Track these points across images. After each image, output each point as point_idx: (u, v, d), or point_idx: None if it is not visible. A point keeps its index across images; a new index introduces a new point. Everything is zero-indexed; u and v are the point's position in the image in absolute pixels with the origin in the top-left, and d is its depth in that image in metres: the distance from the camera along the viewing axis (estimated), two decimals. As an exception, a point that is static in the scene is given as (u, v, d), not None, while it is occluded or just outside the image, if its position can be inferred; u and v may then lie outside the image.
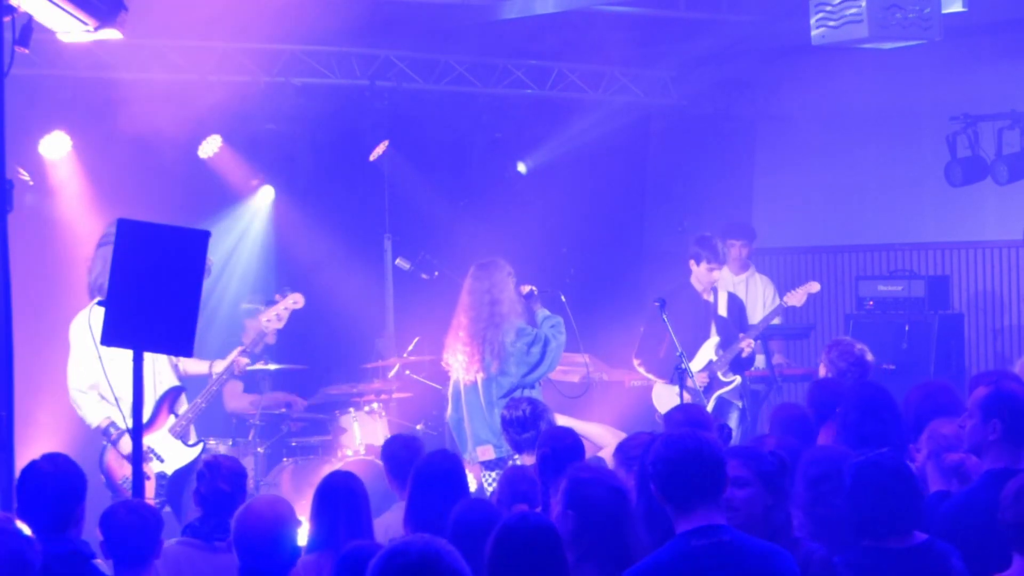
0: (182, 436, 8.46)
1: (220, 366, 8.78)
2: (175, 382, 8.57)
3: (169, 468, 8.33)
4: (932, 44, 8.41)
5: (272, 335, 9.02)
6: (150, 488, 8.09)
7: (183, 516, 8.05)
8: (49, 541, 4.98)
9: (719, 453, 4.40)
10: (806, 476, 5.21)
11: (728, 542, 4.29)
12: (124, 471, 8.28)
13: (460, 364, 8.55)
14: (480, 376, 8.50)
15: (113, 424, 8.23)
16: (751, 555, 4.30)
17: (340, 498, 5.54)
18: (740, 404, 9.72)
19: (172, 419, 8.46)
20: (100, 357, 6.79)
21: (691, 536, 4.29)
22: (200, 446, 8.46)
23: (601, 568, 4.67)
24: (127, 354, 6.29)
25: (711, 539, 4.27)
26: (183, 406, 8.56)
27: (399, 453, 6.65)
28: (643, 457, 5.85)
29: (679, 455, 4.35)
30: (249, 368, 9.24)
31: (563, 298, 8.90)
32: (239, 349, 8.89)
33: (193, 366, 8.85)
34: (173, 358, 8.73)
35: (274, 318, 8.83)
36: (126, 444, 8.19)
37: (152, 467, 8.24)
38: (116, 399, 7.13)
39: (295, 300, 8.89)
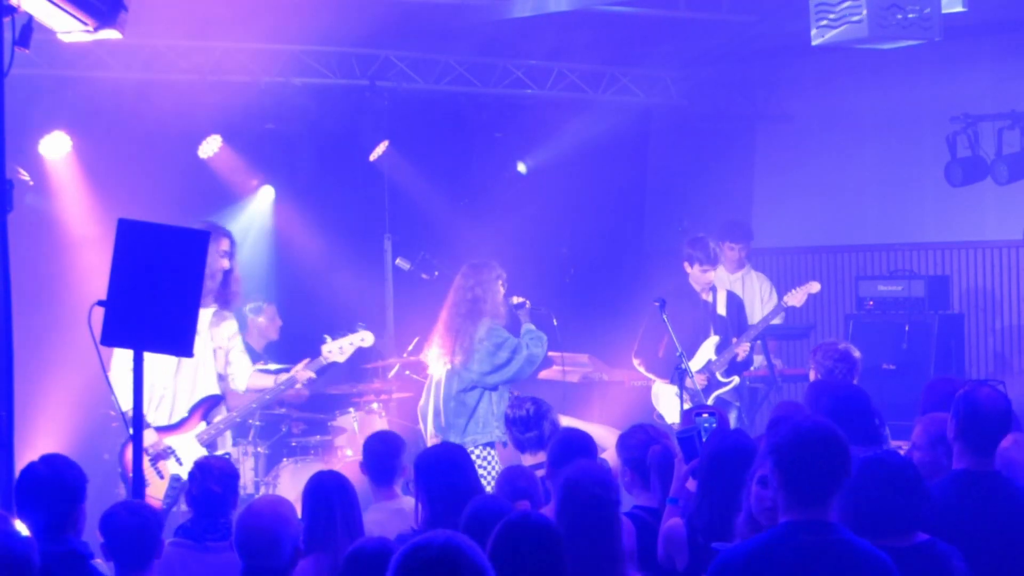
0: (209, 445, 8.39)
1: (283, 378, 8.62)
2: (216, 390, 8.50)
3: (185, 472, 8.25)
4: (932, 44, 8.41)
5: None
6: (160, 488, 8.01)
7: None
8: (47, 541, 4.98)
9: (849, 449, 4.25)
10: None
11: (840, 542, 4.15)
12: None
13: (435, 356, 8.67)
14: (447, 368, 8.62)
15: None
16: (859, 558, 4.17)
17: (335, 497, 5.52)
18: (738, 404, 9.74)
19: (203, 425, 8.35)
20: (99, 353, 6.70)
21: (800, 529, 4.15)
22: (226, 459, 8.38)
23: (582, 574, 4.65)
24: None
25: (824, 537, 4.14)
26: (219, 415, 8.48)
27: (381, 450, 6.55)
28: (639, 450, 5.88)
29: (812, 442, 4.18)
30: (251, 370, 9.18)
31: (555, 321, 8.92)
32: (304, 362, 8.76)
33: (259, 380, 8.76)
34: (236, 370, 8.64)
35: (336, 350, 8.62)
36: (149, 437, 8.11)
37: (169, 467, 8.16)
38: (113, 393, 7.07)
39: (363, 338, 8.69)
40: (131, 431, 8.13)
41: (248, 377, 8.73)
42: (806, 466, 4.18)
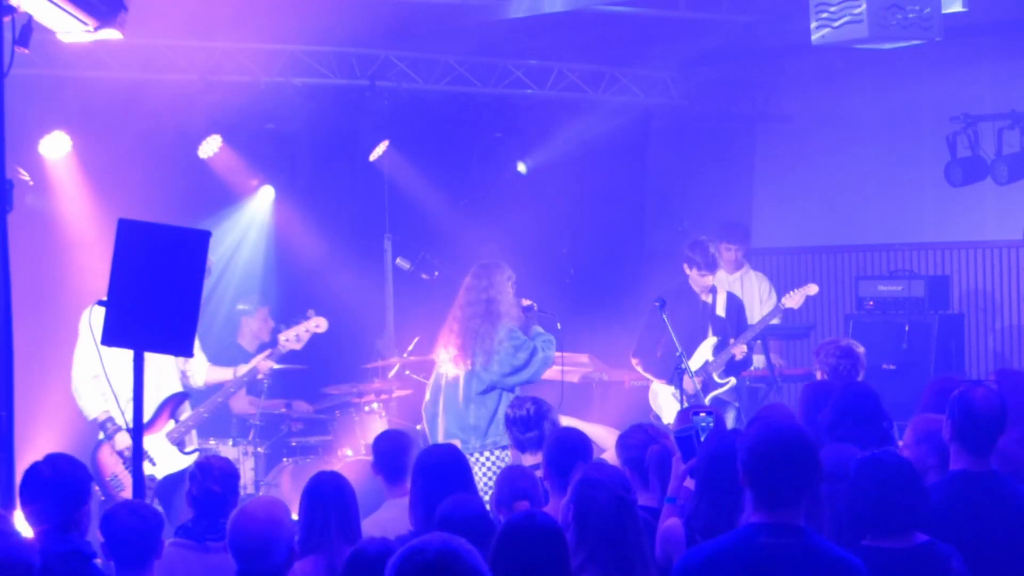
0: (179, 443, 8.44)
1: (244, 370, 8.76)
2: (179, 387, 8.55)
3: (159, 472, 8.32)
4: (932, 44, 8.41)
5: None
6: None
7: (174, 520, 8.03)
8: (50, 541, 4.98)
9: (818, 454, 4.21)
10: None
11: (806, 546, 4.10)
12: (114, 468, 8.28)
13: (449, 357, 8.62)
14: (464, 370, 8.56)
15: (111, 419, 8.23)
16: (825, 562, 4.12)
17: (330, 499, 5.52)
18: (736, 404, 9.75)
19: (171, 424, 8.44)
20: (100, 354, 6.72)
21: (763, 531, 4.11)
22: (195, 455, 8.41)
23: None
24: (128, 351, 6.28)
25: (787, 539, 4.08)
26: (185, 412, 8.53)
27: (389, 448, 6.59)
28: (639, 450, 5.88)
29: (778, 443, 4.14)
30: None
31: (559, 325, 8.91)
32: (265, 353, 8.85)
33: (216, 374, 8.82)
34: (192, 367, 8.71)
35: (293, 338, 8.78)
36: (121, 440, 8.20)
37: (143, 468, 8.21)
38: (115, 395, 7.11)
39: (317, 324, 8.85)
40: (101, 435, 8.33)
41: (205, 372, 8.80)
42: (771, 468, 4.13)
